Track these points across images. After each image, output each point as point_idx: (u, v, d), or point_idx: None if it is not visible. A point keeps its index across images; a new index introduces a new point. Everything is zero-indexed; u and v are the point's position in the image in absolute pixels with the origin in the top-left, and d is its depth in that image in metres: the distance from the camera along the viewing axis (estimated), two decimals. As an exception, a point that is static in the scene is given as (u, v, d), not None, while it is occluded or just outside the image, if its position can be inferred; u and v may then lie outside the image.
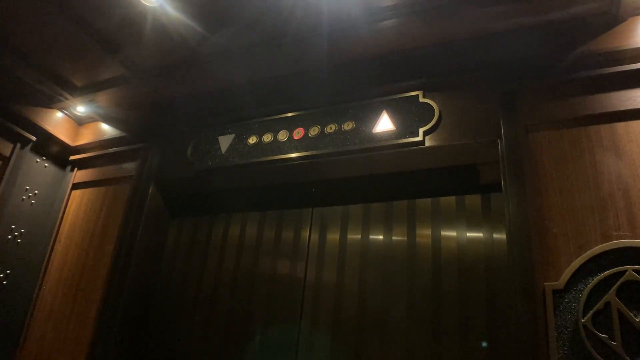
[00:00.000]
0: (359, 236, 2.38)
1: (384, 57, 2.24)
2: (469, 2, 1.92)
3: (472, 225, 2.15)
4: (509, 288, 1.86)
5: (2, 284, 2.67)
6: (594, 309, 1.54)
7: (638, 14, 1.86)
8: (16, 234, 2.77)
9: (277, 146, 2.47)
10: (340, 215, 2.48)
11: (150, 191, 2.73)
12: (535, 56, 2.01)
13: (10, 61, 2.56)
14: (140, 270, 2.62)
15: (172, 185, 2.82)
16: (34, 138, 2.87)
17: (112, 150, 2.98)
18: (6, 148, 2.76)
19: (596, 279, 1.57)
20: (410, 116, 2.20)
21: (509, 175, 1.86)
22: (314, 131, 2.40)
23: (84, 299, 2.61)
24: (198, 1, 2.06)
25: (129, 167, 2.86)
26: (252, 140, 2.55)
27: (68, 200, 3.02)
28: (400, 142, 2.16)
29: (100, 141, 3.05)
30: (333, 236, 2.45)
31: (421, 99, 2.21)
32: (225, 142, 2.65)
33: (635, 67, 1.79)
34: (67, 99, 2.84)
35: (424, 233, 2.24)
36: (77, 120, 3.15)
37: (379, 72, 2.32)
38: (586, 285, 1.58)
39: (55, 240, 2.91)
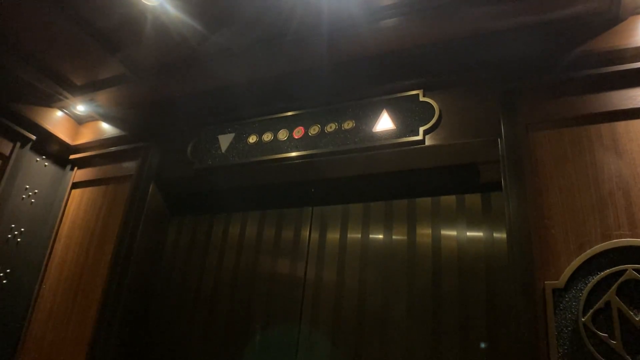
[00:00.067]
0: (359, 235, 2.38)
1: (384, 56, 2.24)
2: (469, 2, 1.91)
3: (472, 224, 2.15)
4: (509, 287, 1.87)
5: (2, 283, 2.67)
6: (594, 308, 1.54)
7: (638, 13, 1.86)
8: (16, 233, 2.77)
9: (277, 145, 2.47)
10: (340, 215, 2.48)
11: (150, 190, 2.73)
12: (535, 55, 2.01)
13: (10, 60, 2.56)
14: (140, 269, 2.63)
15: (172, 185, 2.82)
16: (34, 137, 2.87)
17: (112, 149, 2.98)
18: (6, 147, 2.76)
19: (596, 278, 1.57)
20: (410, 115, 2.20)
21: (509, 174, 1.85)
22: (314, 130, 2.40)
23: (83, 299, 2.61)
24: (198, 0, 2.06)
25: (129, 166, 2.86)
26: (252, 139, 2.56)
27: (68, 199, 3.02)
28: (400, 141, 2.16)
29: (100, 140, 3.05)
30: (333, 235, 2.45)
31: (421, 98, 2.21)
32: (225, 141, 2.65)
33: (636, 66, 1.78)
34: (67, 98, 2.84)
35: (424, 232, 2.23)
36: (77, 119, 3.15)
37: (379, 71, 2.32)
38: (586, 284, 1.58)
39: (55, 240, 2.91)
